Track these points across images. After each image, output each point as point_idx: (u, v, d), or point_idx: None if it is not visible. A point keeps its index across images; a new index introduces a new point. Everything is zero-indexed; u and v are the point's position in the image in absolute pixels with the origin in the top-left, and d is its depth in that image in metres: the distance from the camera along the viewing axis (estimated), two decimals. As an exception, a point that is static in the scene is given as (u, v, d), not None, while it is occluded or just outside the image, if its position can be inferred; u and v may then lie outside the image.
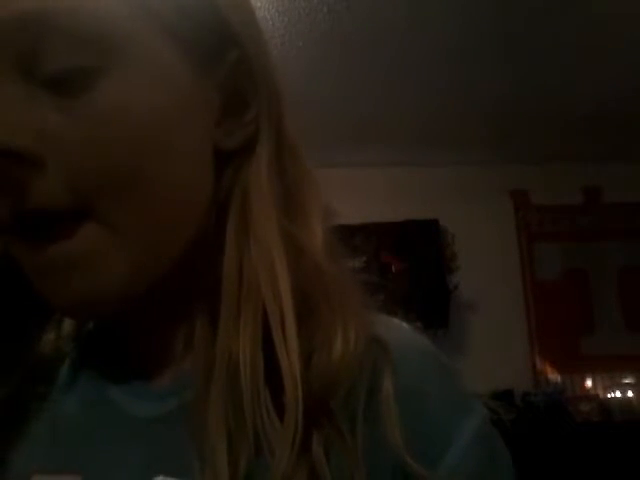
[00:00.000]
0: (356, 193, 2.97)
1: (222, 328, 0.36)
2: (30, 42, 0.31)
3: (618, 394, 2.81)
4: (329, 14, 2.03)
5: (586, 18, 2.09)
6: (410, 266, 2.91)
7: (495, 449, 0.38)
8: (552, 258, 3.12)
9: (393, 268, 2.90)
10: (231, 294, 0.36)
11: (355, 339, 0.35)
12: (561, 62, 2.33)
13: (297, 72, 2.30)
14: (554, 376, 2.95)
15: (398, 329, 0.40)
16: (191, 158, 0.37)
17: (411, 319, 0.43)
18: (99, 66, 0.32)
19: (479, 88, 2.50)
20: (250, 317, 0.35)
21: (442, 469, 0.34)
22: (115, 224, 0.33)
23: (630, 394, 2.80)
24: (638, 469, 2.30)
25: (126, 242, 0.34)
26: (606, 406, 2.76)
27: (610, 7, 2.02)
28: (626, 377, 2.87)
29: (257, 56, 0.40)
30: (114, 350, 0.43)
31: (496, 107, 2.65)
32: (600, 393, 2.87)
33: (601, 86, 2.50)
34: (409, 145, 2.98)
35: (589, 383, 2.93)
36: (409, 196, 3.03)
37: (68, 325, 0.45)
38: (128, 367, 0.42)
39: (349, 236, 2.90)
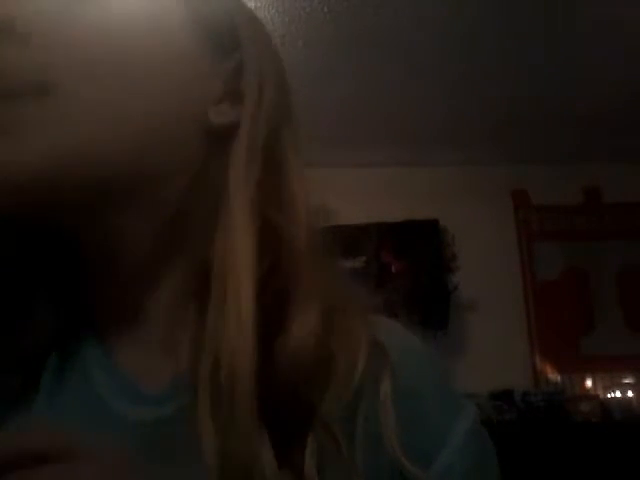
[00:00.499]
0: (356, 193, 2.97)
1: (210, 322, 0.35)
2: None
3: (618, 394, 2.81)
4: (329, 14, 2.03)
5: (586, 18, 2.09)
6: (410, 266, 2.90)
7: (485, 447, 0.39)
8: (552, 258, 3.12)
9: (393, 268, 2.90)
10: (217, 277, 0.36)
11: (316, 321, 0.35)
12: (561, 62, 2.33)
13: (297, 72, 2.29)
14: (554, 376, 2.95)
15: (395, 331, 0.41)
16: (179, 90, 0.39)
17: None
18: None
19: (479, 88, 2.50)
20: (232, 306, 0.34)
21: (436, 468, 0.35)
22: (61, 105, 0.34)
23: (630, 394, 2.80)
24: (638, 469, 2.30)
25: (62, 121, 0.34)
26: (606, 406, 2.76)
27: (610, 8, 2.02)
28: (626, 377, 2.87)
29: (254, 65, 0.42)
30: (103, 349, 0.42)
31: (496, 107, 2.65)
32: (600, 393, 2.86)
33: (601, 86, 2.49)
34: (409, 145, 2.98)
35: (589, 383, 2.93)
36: (409, 196, 3.03)
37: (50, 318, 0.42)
38: (117, 367, 0.41)
39: (349, 236, 2.90)
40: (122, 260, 0.39)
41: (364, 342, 0.36)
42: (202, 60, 0.40)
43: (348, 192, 2.96)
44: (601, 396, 2.84)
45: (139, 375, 0.40)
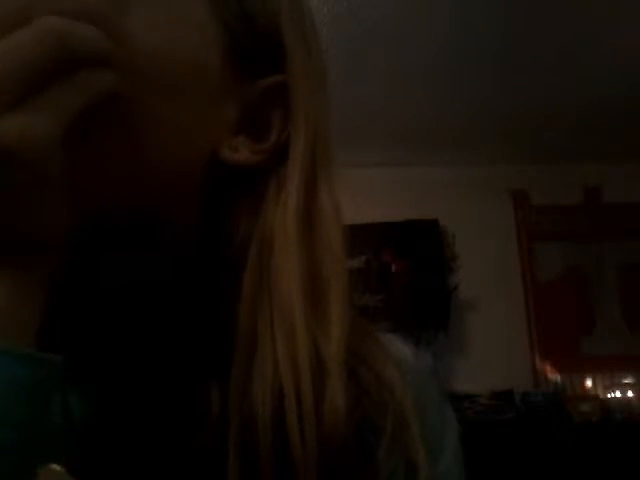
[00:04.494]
0: (356, 193, 2.97)
1: (234, 391, 0.32)
2: None
3: (618, 394, 2.81)
4: (329, 14, 2.03)
5: (586, 18, 2.09)
6: (410, 266, 2.90)
7: (463, 460, 0.41)
8: (552, 258, 3.12)
9: (393, 268, 2.90)
10: (244, 356, 0.32)
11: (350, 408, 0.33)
12: (561, 62, 2.34)
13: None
14: (554, 376, 2.95)
15: (398, 349, 0.41)
16: (183, 132, 0.32)
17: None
18: None
19: (479, 88, 2.50)
20: (263, 384, 0.32)
21: (437, 473, 0.37)
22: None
23: (630, 394, 2.80)
24: (638, 469, 2.30)
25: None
26: (606, 406, 2.76)
27: (610, 8, 2.02)
28: (626, 377, 2.87)
29: (301, 85, 0.35)
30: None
31: (496, 107, 2.65)
32: (600, 393, 2.87)
33: (601, 86, 2.50)
34: (409, 145, 2.98)
35: (589, 383, 2.93)
36: (409, 196, 3.03)
37: None
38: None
39: (349, 236, 2.90)
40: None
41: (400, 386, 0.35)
42: (222, 82, 0.34)
43: (348, 192, 2.96)
44: (601, 396, 2.84)
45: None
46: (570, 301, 3.06)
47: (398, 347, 0.41)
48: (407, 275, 2.88)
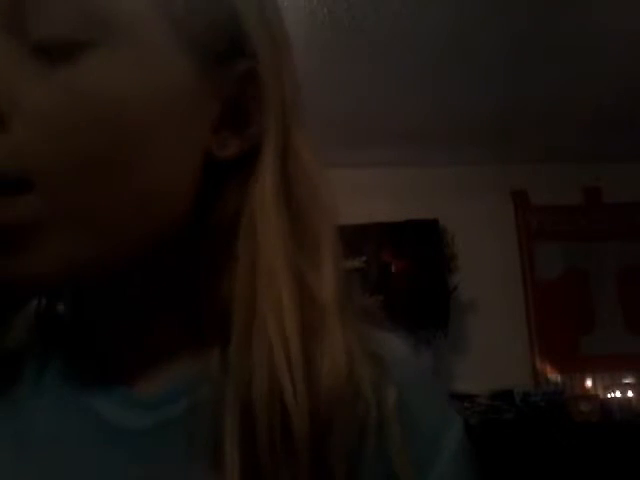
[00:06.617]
0: (356, 193, 2.97)
1: (235, 357, 0.34)
2: (29, 5, 0.30)
3: (618, 394, 2.81)
4: (329, 14, 2.03)
5: (586, 18, 2.09)
6: (410, 266, 2.91)
7: (471, 457, 0.40)
8: (552, 258, 3.12)
9: (393, 268, 2.90)
10: (244, 324, 0.34)
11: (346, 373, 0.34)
12: (561, 62, 2.33)
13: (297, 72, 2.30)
14: (554, 376, 2.95)
15: (396, 347, 0.41)
16: (172, 158, 0.34)
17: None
18: (92, 40, 0.30)
19: (479, 88, 2.50)
20: (263, 350, 0.33)
21: (432, 477, 0.36)
22: (62, 202, 0.31)
23: (630, 394, 2.80)
24: (638, 469, 2.30)
25: (70, 224, 0.31)
26: (606, 406, 2.76)
27: (610, 8, 2.02)
28: (626, 377, 2.88)
29: (271, 69, 0.37)
30: (87, 347, 0.39)
31: (496, 107, 2.65)
32: (600, 393, 2.86)
33: (601, 86, 2.50)
34: (409, 145, 2.98)
35: (589, 383, 2.93)
36: (409, 196, 3.03)
37: (25, 313, 0.41)
38: (106, 369, 0.38)
39: (349, 236, 2.90)
40: (123, 303, 0.38)
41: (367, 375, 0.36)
42: (198, 92, 0.35)
43: (348, 192, 2.96)
44: (601, 396, 2.84)
45: (127, 375, 0.38)
46: (570, 301, 3.06)
47: (394, 343, 0.41)
48: (407, 275, 2.88)
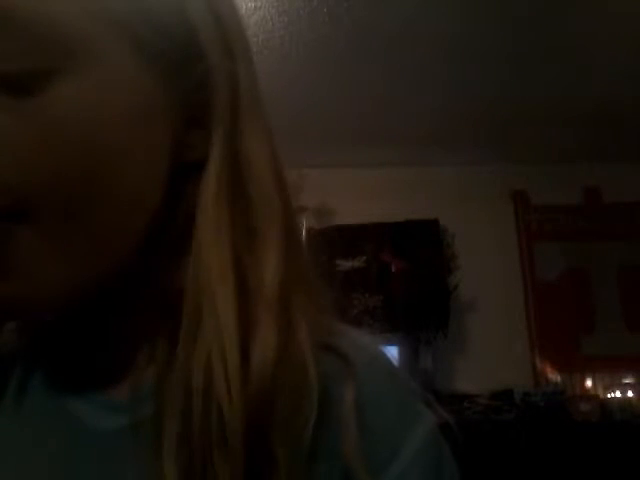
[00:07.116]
0: (356, 193, 2.97)
1: (180, 351, 0.35)
2: None
3: (618, 394, 2.81)
4: (329, 15, 2.03)
5: (586, 18, 2.09)
6: (410, 266, 2.90)
7: (441, 456, 0.39)
8: (552, 258, 3.12)
9: (393, 268, 2.90)
10: (190, 318, 0.35)
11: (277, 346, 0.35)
12: (561, 62, 2.33)
13: (297, 72, 2.30)
14: (554, 376, 2.95)
15: (359, 342, 0.41)
16: (145, 168, 0.35)
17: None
18: (54, 68, 0.31)
19: (479, 88, 2.50)
20: (203, 347, 0.34)
21: (388, 478, 0.36)
22: (54, 230, 0.32)
23: (630, 394, 2.80)
24: (638, 469, 2.30)
25: (63, 249, 0.32)
26: (606, 406, 2.76)
27: (610, 7, 2.02)
28: (626, 377, 2.87)
29: (222, 75, 0.38)
30: (67, 354, 0.41)
31: (496, 107, 2.65)
32: (600, 393, 2.86)
33: (601, 86, 2.50)
34: (409, 145, 2.98)
35: (589, 383, 2.92)
36: (409, 196, 3.03)
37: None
38: (83, 374, 0.40)
39: (349, 236, 2.90)
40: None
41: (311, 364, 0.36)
42: (157, 100, 0.36)
43: (348, 192, 2.96)
44: (601, 396, 2.84)
45: (102, 379, 0.39)
46: (570, 301, 3.05)
47: (362, 341, 0.41)
48: (407, 275, 2.88)
